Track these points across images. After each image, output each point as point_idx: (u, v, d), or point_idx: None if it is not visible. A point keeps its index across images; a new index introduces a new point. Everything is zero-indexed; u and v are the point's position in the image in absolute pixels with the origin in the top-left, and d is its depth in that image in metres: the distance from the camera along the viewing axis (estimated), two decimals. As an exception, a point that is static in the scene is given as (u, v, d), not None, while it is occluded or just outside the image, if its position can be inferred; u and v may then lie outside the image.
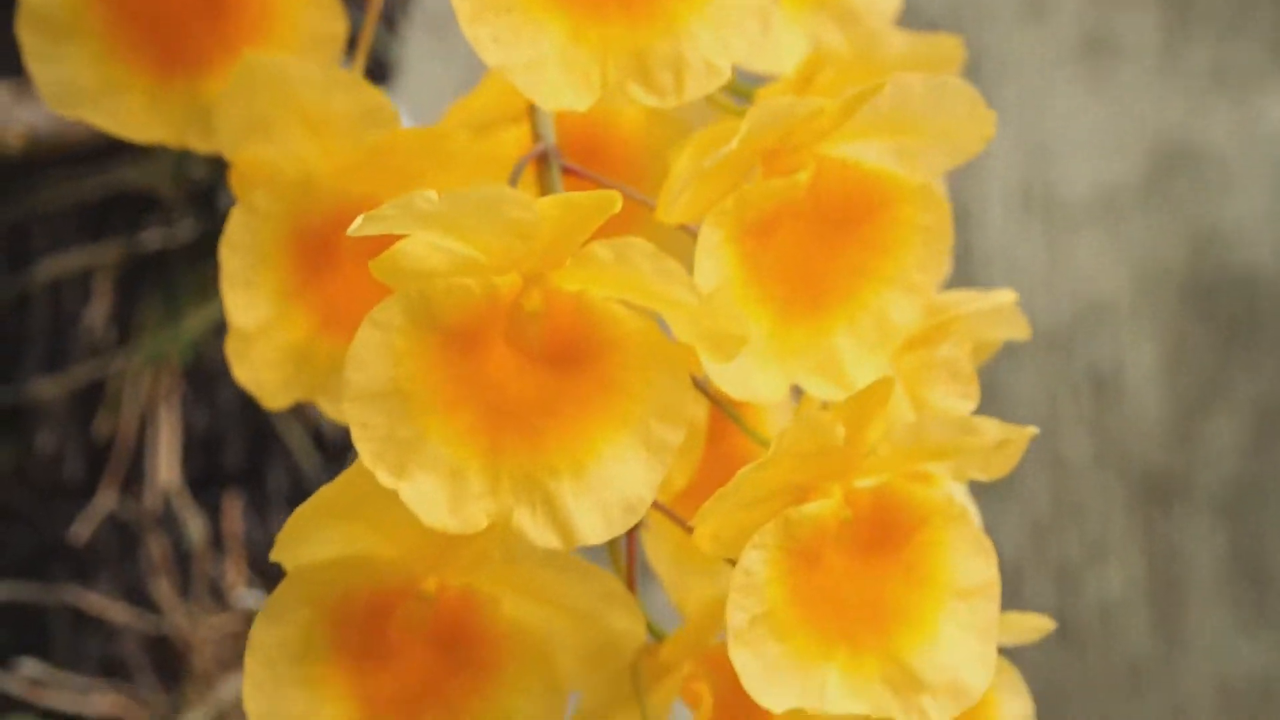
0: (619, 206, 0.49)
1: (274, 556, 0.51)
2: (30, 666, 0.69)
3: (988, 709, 0.56)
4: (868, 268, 0.53)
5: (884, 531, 0.52)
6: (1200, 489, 0.93)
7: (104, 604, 0.70)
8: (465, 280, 0.49)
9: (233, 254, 0.52)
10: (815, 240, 0.52)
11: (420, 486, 0.49)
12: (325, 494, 0.51)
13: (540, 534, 0.49)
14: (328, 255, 0.52)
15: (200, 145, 0.55)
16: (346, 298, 0.52)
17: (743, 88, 0.57)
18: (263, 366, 0.53)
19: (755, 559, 0.50)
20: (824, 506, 0.50)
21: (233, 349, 0.53)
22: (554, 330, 0.50)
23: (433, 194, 0.47)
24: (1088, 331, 0.89)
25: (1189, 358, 0.93)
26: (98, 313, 0.70)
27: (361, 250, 0.50)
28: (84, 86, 0.54)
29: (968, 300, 0.56)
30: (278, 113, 0.52)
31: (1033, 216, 0.87)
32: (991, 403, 0.93)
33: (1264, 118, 0.93)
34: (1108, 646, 0.94)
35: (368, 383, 0.49)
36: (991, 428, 0.52)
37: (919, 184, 0.53)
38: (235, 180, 0.53)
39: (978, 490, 0.66)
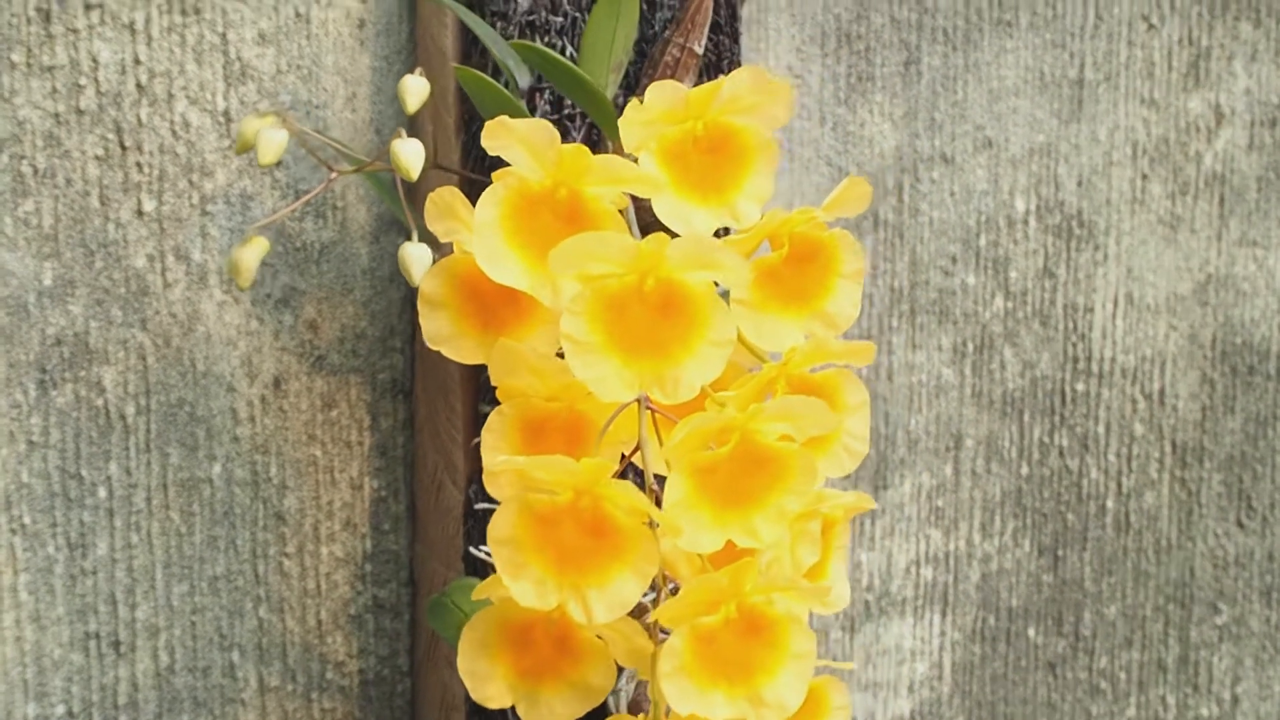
0: (618, 466, 0.53)
1: (473, 597, 0.56)
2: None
3: (821, 703, 0.57)
4: (773, 485, 0.53)
5: (753, 626, 0.53)
6: (1211, 452, 0.89)
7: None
8: (548, 495, 0.53)
9: (489, 433, 0.57)
10: (741, 473, 0.53)
11: (522, 587, 0.53)
12: (482, 584, 0.56)
13: (578, 615, 0.53)
14: (536, 431, 0.57)
15: (494, 366, 0.59)
16: (538, 452, 0.55)
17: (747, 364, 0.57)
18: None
19: (676, 640, 0.53)
20: (719, 615, 0.53)
21: (485, 468, 0.56)
22: (591, 518, 0.53)
23: (522, 459, 0.53)
24: (1148, 369, 0.86)
25: (1210, 385, 0.89)
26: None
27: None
28: (444, 333, 0.59)
29: (831, 496, 0.56)
30: (517, 366, 0.57)
31: (1128, 311, 0.84)
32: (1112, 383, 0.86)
33: (1267, 262, 0.88)
34: (1143, 537, 0.90)
35: (501, 535, 0.53)
36: (807, 585, 0.53)
37: (800, 448, 0.53)
38: (499, 394, 0.58)
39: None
